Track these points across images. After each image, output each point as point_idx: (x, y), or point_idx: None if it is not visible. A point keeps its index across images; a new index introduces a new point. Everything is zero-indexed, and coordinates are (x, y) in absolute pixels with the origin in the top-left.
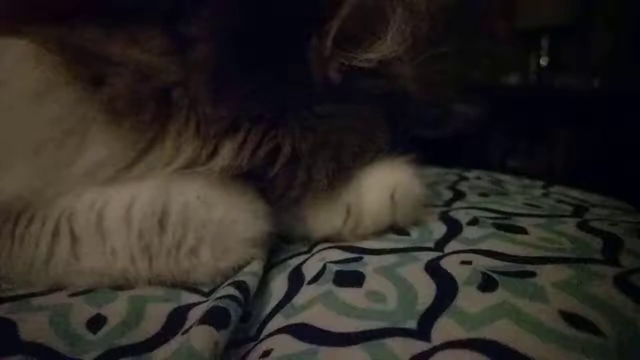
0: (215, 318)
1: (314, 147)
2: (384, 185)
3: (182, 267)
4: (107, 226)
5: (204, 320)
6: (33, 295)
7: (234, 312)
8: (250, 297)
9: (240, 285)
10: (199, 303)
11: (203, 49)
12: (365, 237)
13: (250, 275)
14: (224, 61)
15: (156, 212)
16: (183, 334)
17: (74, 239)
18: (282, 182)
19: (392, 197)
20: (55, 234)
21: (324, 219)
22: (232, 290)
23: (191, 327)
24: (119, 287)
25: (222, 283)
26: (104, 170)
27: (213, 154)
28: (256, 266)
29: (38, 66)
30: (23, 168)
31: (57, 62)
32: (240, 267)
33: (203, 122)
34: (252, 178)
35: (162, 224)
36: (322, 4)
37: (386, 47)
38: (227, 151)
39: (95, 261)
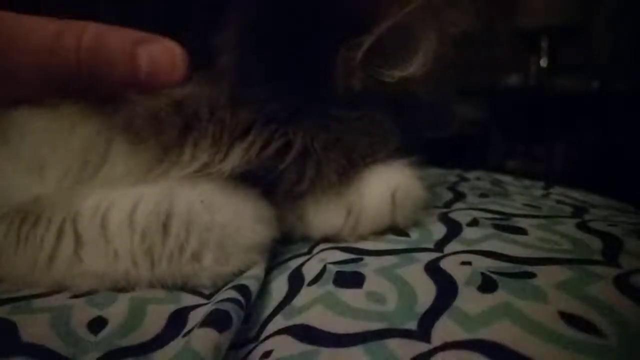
0: (216, 321)
1: (326, 145)
2: (385, 186)
3: (184, 271)
4: (111, 228)
5: (205, 322)
6: (34, 296)
7: (236, 314)
8: (251, 300)
9: (242, 289)
10: (199, 305)
11: (227, 57)
12: (364, 238)
13: (252, 278)
14: (248, 65)
15: (160, 215)
16: (184, 336)
17: (78, 240)
18: (291, 177)
19: (392, 198)
20: (60, 235)
21: (325, 217)
22: (233, 294)
23: (192, 329)
24: (121, 289)
25: (223, 286)
26: (122, 182)
27: (225, 157)
28: (258, 270)
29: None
30: (49, 180)
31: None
32: (242, 272)
33: (219, 130)
34: (261, 173)
35: (165, 227)
36: (358, 19)
37: (413, 67)
38: (237, 152)
39: (98, 263)
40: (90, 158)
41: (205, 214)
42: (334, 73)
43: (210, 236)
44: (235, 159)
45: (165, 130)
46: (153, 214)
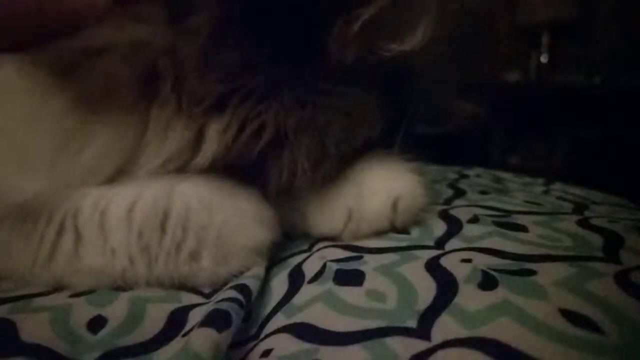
0: (216, 320)
1: (299, 125)
2: (386, 194)
3: (182, 270)
4: (108, 226)
5: (205, 322)
6: (33, 295)
7: (236, 314)
8: (252, 300)
9: (242, 288)
10: (199, 304)
11: (199, 17)
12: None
13: (252, 278)
14: (225, 29)
15: (158, 213)
16: (184, 335)
17: (78, 237)
18: (269, 168)
19: (394, 206)
20: (60, 232)
21: (325, 220)
22: (233, 293)
23: (192, 328)
24: (119, 288)
25: (223, 286)
26: (104, 165)
27: (199, 137)
28: (258, 269)
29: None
30: (41, 171)
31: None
32: (242, 273)
33: (187, 98)
34: (236, 163)
35: (162, 226)
36: None
37: (412, 41)
38: (213, 133)
39: (96, 260)
40: (69, 141)
41: (203, 213)
42: (327, 44)
43: (208, 235)
44: (212, 141)
45: (123, 90)
46: (151, 212)
